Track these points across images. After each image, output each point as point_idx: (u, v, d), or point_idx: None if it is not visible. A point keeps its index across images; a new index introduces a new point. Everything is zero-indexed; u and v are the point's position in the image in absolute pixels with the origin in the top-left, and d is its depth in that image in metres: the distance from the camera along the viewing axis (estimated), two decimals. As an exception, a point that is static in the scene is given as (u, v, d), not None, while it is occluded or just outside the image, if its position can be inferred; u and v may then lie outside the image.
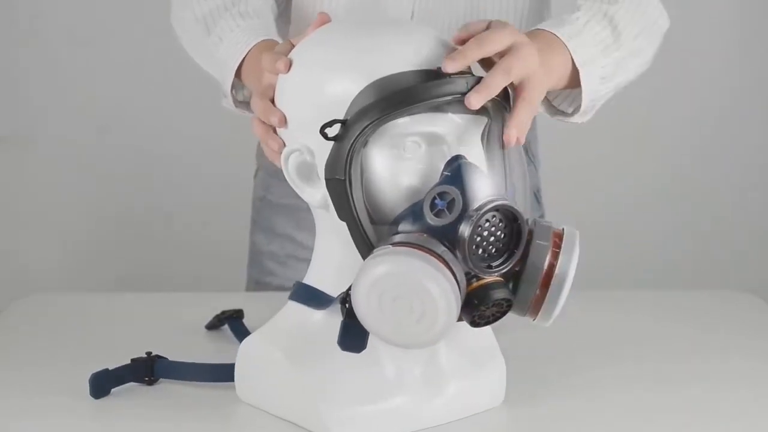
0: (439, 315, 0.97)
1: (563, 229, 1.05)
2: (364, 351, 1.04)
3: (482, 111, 1.03)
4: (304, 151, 1.05)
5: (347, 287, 1.01)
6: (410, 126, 1.01)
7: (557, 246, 1.03)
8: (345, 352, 1.03)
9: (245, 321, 1.37)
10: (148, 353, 1.21)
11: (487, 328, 1.15)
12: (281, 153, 1.07)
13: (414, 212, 1.01)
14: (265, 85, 1.10)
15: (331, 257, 1.09)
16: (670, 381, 1.25)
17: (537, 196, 1.58)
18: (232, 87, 1.26)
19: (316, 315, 1.09)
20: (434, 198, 1.00)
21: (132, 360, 1.19)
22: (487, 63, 1.07)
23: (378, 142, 1.02)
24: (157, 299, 1.56)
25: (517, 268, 1.03)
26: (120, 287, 2.54)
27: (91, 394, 1.16)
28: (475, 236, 1.00)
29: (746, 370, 1.29)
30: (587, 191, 2.66)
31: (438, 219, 1.00)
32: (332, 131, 1.00)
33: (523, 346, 1.29)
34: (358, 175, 1.01)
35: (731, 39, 2.66)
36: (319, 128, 1.00)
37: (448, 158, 1.02)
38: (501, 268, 1.02)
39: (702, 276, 2.63)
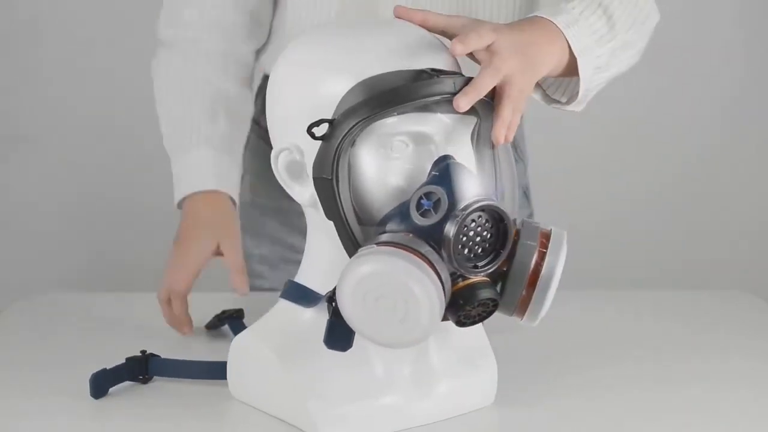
0: (422, 315, 0.97)
1: (551, 229, 1.05)
2: (353, 350, 1.05)
3: (471, 111, 1.03)
4: (293, 149, 1.05)
5: (335, 286, 1.01)
6: (398, 125, 1.02)
7: (544, 246, 1.03)
8: (335, 352, 1.04)
9: (245, 321, 1.37)
10: (143, 352, 1.21)
11: (479, 328, 1.15)
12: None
13: (401, 212, 1.02)
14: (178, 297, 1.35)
15: (321, 256, 1.09)
16: (670, 381, 1.25)
17: (526, 194, 1.58)
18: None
19: (307, 313, 1.09)
20: (420, 198, 1.01)
21: (127, 359, 1.20)
22: (470, 55, 1.07)
23: (366, 142, 1.02)
24: (156, 299, 1.56)
25: (504, 268, 1.03)
26: (120, 287, 2.53)
27: (91, 395, 1.16)
28: (461, 236, 1.00)
29: (746, 370, 1.29)
30: (580, 189, 2.66)
31: (424, 219, 1.00)
32: (320, 131, 1.01)
33: (520, 346, 1.30)
34: (345, 175, 1.01)
35: (730, 38, 2.66)
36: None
37: (436, 158, 1.02)
38: (487, 268, 1.02)
39: (702, 276, 2.63)
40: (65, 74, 2.58)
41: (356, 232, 1.02)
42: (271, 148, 1.08)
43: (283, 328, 1.11)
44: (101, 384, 1.17)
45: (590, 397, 1.19)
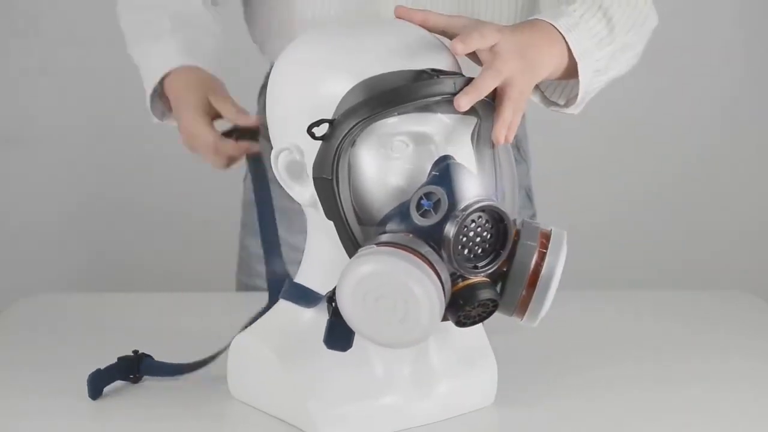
0: (421, 315, 0.97)
1: (551, 229, 1.05)
2: (353, 350, 1.05)
3: (471, 111, 1.03)
4: (293, 150, 1.05)
5: (335, 286, 1.01)
6: (398, 126, 1.02)
7: (544, 246, 1.03)
8: (335, 352, 1.04)
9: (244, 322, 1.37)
10: (135, 351, 1.21)
11: (479, 328, 1.15)
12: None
13: (401, 212, 1.02)
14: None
15: (321, 256, 1.09)
16: (670, 381, 1.25)
17: (528, 195, 1.58)
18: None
19: (307, 313, 1.10)
20: (420, 198, 1.01)
21: (119, 358, 1.20)
22: (472, 55, 1.07)
23: (366, 142, 1.02)
24: (156, 299, 1.57)
25: (504, 269, 1.03)
26: (120, 287, 2.54)
27: (89, 395, 1.16)
28: (461, 236, 1.00)
29: (746, 370, 1.29)
30: (580, 189, 2.66)
31: (424, 219, 1.00)
32: (320, 131, 1.01)
33: (520, 346, 1.30)
34: (345, 175, 1.01)
35: (730, 38, 2.66)
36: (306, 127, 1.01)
37: (436, 158, 1.02)
38: (487, 269, 1.02)
39: (702, 276, 2.63)
40: (65, 74, 2.58)
41: (356, 232, 1.02)
42: (272, 147, 1.08)
43: (283, 328, 1.11)
44: (97, 384, 1.17)
45: (590, 397, 1.19)
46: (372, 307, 0.98)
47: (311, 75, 1.04)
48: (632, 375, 1.26)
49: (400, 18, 1.09)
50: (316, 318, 1.08)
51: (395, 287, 0.97)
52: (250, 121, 1.32)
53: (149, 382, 1.22)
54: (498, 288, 1.03)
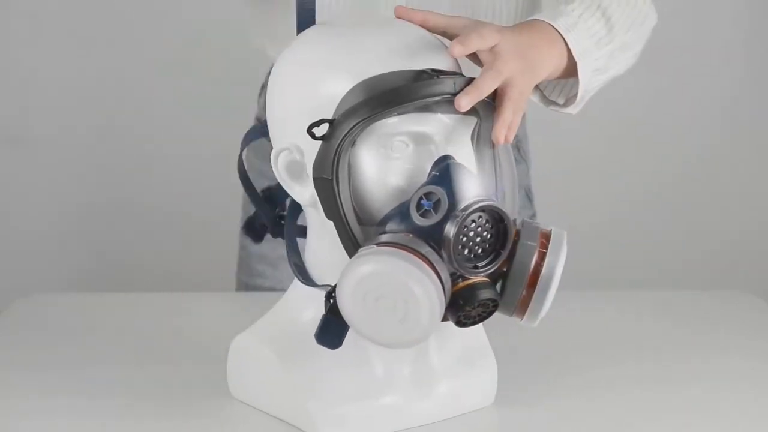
0: (421, 315, 0.97)
1: (551, 229, 1.05)
2: (353, 350, 1.05)
3: (471, 111, 1.03)
4: (293, 150, 1.05)
5: (335, 283, 1.01)
6: (398, 126, 1.02)
7: (544, 246, 1.03)
8: (335, 352, 1.04)
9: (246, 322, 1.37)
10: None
11: (479, 328, 1.15)
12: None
13: (401, 212, 1.02)
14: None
15: (321, 255, 1.09)
16: (670, 381, 1.25)
17: (528, 195, 1.58)
18: None
19: (307, 313, 1.10)
20: (421, 198, 1.01)
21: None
22: (472, 56, 1.07)
23: (366, 142, 1.02)
24: (156, 299, 1.57)
25: (504, 269, 1.03)
26: (120, 287, 2.54)
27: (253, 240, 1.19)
28: (461, 236, 1.00)
29: (746, 370, 1.29)
30: (580, 189, 2.66)
31: (424, 219, 1.00)
32: (320, 131, 1.01)
33: (520, 346, 1.30)
34: (345, 175, 1.01)
35: (730, 38, 2.66)
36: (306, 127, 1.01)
37: (436, 158, 1.02)
38: (487, 269, 1.02)
39: (702, 276, 2.63)
40: (65, 74, 2.58)
41: (356, 232, 1.02)
42: (272, 147, 1.08)
43: (283, 328, 1.11)
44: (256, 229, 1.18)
45: (590, 397, 1.19)
46: (372, 307, 0.98)
47: (311, 75, 1.04)
48: (632, 375, 1.26)
49: (400, 18, 1.09)
50: (316, 318, 1.08)
51: (395, 287, 0.97)
52: None
53: (149, 382, 1.22)
54: (498, 288, 1.03)
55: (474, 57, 1.08)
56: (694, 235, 2.69)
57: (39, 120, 2.61)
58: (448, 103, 1.01)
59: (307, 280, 1.09)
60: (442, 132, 1.03)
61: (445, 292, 0.98)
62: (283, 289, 1.16)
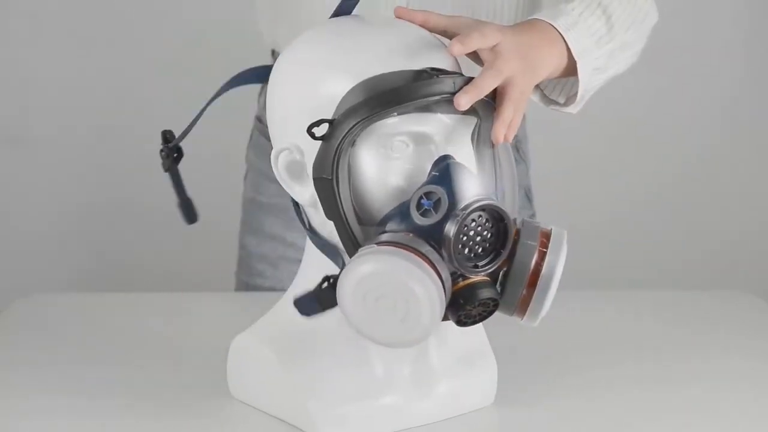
0: (422, 314, 0.97)
1: (551, 229, 1.05)
2: (353, 350, 1.05)
3: (471, 111, 1.03)
4: (293, 150, 1.05)
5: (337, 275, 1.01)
6: (398, 126, 1.02)
7: (544, 246, 1.03)
8: (335, 352, 1.04)
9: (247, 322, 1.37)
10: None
11: (479, 328, 1.15)
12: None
13: (401, 212, 1.02)
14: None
15: (321, 255, 1.09)
16: (670, 381, 1.25)
17: (528, 195, 1.58)
18: None
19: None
20: (421, 198, 1.01)
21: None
22: (472, 55, 1.07)
23: (366, 142, 1.02)
24: (156, 299, 1.57)
25: (504, 268, 1.03)
26: (120, 287, 2.54)
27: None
28: (461, 236, 1.00)
29: (746, 370, 1.29)
30: (580, 189, 2.66)
31: (424, 219, 1.00)
32: (320, 131, 1.01)
33: (520, 346, 1.30)
34: (345, 175, 1.01)
35: (730, 38, 2.66)
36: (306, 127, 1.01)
37: (436, 158, 1.02)
38: (487, 268, 1.02)
39: (702, 276, 2.63)
40: (65, 74, 2.58)
41: (356, 232, 1.02)
42: (272, 146, 1.08)
43: (283, 328, 1.11)
44: None
45: (590, 397, 1.19)
46: (372, 306, 0.98)
47: (311, 75, 1.04)
48: (632, 375, 1.26)
49: (400, 18, 1.09)
50: (316, 318, 1.08)
51: (396, 287, 0.97)
52: None
53: (149, 382, 1.22)
54: (498, 287, 1.03)
55: (475, 56, 1.08)
56: (694, 235, 2.69)
57: (39, 120, 2.61)
58: (447, 102, 1.01)
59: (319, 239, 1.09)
60: (442, 132, 1.03)
61: (445, 292, 0.98)
62: (283, 289, 1.16)
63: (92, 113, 2.60)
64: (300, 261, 1.13)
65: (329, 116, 1.02)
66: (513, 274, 1.03)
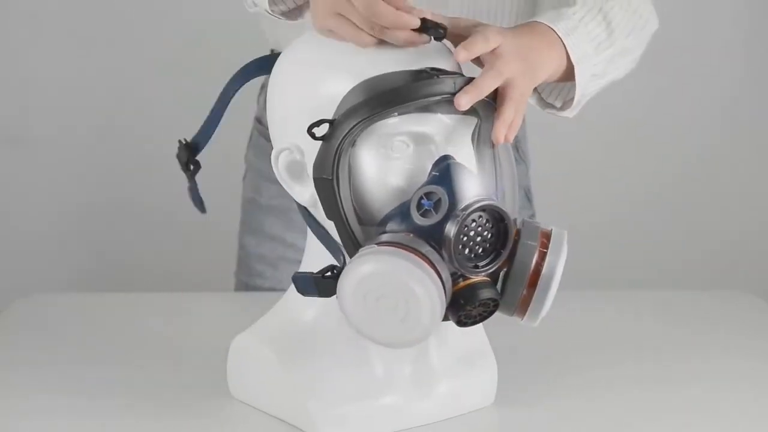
0: (423, 315, 0.97)
1: (551, 229, 1.05)
2: (353, 350, 1.06)
3: (471, 111, 1.03)
4: (294, 150, 1.05)
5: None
6: (398, 126, 1.02)
7: (545, 246, 1.03)
8: (335, 352, 1.04)
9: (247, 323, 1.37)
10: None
11: (479, 328, 1.15)
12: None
13: (401, 212, 1.02)
14: None
15: (321, 255, 1.09)
16: (670, 381, 1.25)
17: (528, 196, 1.58)
18: None
19: (307, 314, 1.10)
20: (421, 198, 1.01)
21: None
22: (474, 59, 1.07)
23: (366, 142, 1.02)
24: (156, 299, 1.57)
25: (504, 268, 1.03)
26: (120, 287, 2.53)
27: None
28: (461, 236, 1.00)
29: (746, 370, 1.29)
30: (580, 189, 2.66)
31: (425, 219, 1.00)
32: (320, 131, 1.01)
33: (520, 346, 1.30)
34: (345, 175, 1.01)
35: (730, 38, 2.66)
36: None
37: (436, 158, 1.02)
38: (488, 268, 1.02)
39: (702, 276, 2.63)
40: (65, 74, 2.58)
41: (357, 232, 1.02)
42: (272, 146, 1.08)
43: (283, 328, 1.11)
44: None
45: (590, 397, 1.19)
46: (373, 306, 0.98)
47: (311, 75, 1.04)
48: (632, 375, 1.26)
49: None
50: (316, 318, 1.08)
51: (396, 287, 0.97)
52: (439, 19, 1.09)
53: (149, 382, 1.22)
54: (498, 287, 1.03)
55: (475, 58, 1.08)
56: (694, 235, 2.69)
57: (39, 120, 2.61)
58: (448, 103, 1.01)
59: None
60: (443, 132, 1.03)
61: (446, 292, 0.98)
62: (283, 289, 1.16)
63: (92, 113, 2.60)
64: (299, 262, 1.13)
65: (329, 116, 1.02)
66: (513, 274, 1.03)
